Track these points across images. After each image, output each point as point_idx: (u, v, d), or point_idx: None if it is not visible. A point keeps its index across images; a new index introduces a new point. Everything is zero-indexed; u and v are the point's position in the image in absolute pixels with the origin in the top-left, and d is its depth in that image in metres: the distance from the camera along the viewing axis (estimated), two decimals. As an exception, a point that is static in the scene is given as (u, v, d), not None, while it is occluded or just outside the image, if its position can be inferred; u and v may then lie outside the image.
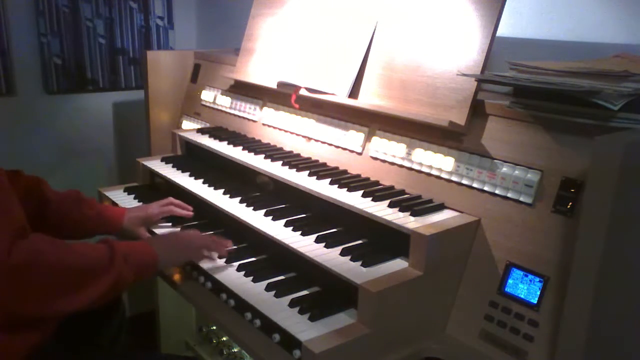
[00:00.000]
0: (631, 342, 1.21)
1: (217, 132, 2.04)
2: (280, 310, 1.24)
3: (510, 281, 1.24)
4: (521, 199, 1.25)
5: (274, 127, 1.94)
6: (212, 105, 2.25)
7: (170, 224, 1.70)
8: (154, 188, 1.99)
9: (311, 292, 1.34)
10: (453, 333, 1.30)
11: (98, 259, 1.22)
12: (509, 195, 1.27)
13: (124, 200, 1.90)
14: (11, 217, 1.10)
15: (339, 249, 1.33)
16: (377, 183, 1.54)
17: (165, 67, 2.37)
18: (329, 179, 1.53)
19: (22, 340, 1.20)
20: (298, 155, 1.79)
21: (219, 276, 1.40)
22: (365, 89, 1.63)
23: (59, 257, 1.15)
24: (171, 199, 1.71)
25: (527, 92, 1.24)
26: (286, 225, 1.45)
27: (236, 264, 1.45)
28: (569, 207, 1.17)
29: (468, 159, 1.36)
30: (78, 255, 1.20)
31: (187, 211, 1.70)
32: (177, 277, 1.52)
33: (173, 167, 1.94)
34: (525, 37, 1.67)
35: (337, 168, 1.66)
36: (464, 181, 1.36)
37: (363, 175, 1.59)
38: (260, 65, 1.98)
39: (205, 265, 1.45)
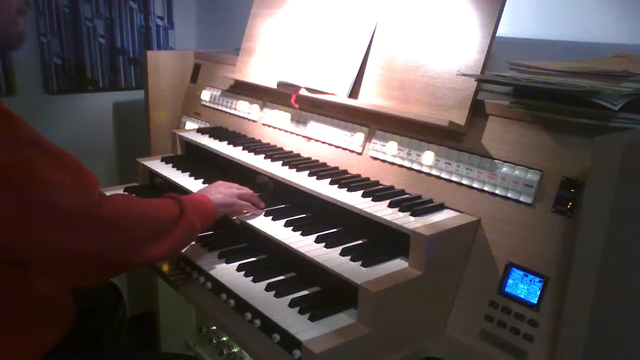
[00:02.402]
0: (631, 342, 1.21)
1: (217, 132, 2.04)
2: (280, 310, 1.24)
3: (510, 281, 1.24)
4: (521, 199, 1.25)
5: (274, 127, 1.94)
6: (212, 105, 2.25)
7: None
8: (154, 188, 1.98)
9: (311, 292, 1.34)
10: (453, 333, 1.30)
11: (171, 210, 1.33)
12: (509, 195, 1.27)
13: (124, 200, 1.89)
14: (93, 177, 1.18)
15: (339, 249, 1.33)
16: (377, 183, 1.54)
17: (165, 67, 2.37)
18: (329, 179, 1.53)
19: (43, 337, 1.25)
20: (298, 155, 1.79)
21: (219, 276, 1.40)
22: (365, 89, 1.63)
23: (140, 210, 1.27)
24: (251, 193, 1.58)
25: (527, 92, 1.24)
26: (286, 225, 1.45)
27: (236, 264, 1.45)
28: (569, 207, 1.17)
29: (468, 159, 1.36)
30: (155, 207, 1.32)
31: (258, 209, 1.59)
32: (177, 277, 1.52)
33: (173, 167, 1.94)
34: (525, 37, 1.67)
35: (337, 168, 1.66)
36: (464, 181, 1.36)
37: (363, 175, 1.59)
38: (260, 65, 1.98)
39: (205, 265, 1.45)
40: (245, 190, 1.56)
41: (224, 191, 1.52)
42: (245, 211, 1.52)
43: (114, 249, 1.18)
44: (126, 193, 1.29)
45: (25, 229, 1.07)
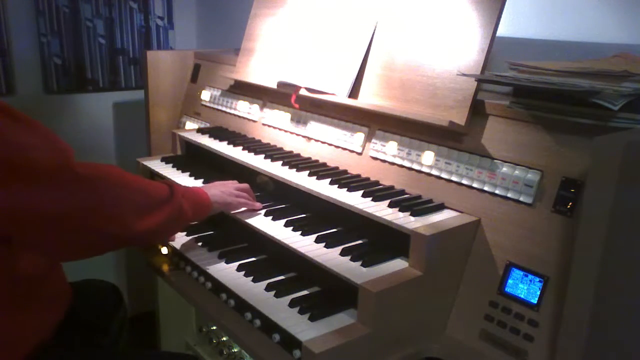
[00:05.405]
0: (631, 342, 1.21)
1: (217, 132, 2.04)
2: (280, 310, 1.24)
3: (510, 281, 1.24)
4: (521, 199, 1.25)
5: (274, 127, 1.94)
6: (212, 105, 2.25)
7: None
8: (154, 188, 1.98)
9: (311, 292, 1.34)
10: (453, 333, 1.30)
11: (159, 188, 1.33)
12: (509, 195, 1.27)
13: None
14: (66, 144, 1.15)
15: (339, 249, 1.33)
16: (377, 183, 1.54)
17: (165, 67, 2.37)
18: (329, 179, 1.53)
19: (39, 319, 1.24)
20: (298, 155, 1.79)
21: (219, 276, 1.40)
22: (365, 89, 1.63)
23: (123, 178, 1.24)
24: (247, 198, 1.57)
25: (527, 92, 1.24)
26: (286, 225, 1.45)
27: (236, 264, 1.45)
28: (569, 207, 1.17)
29: (468, 159, 1.36)
30: (143, 182, 1.32)
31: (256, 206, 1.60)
32: (177, 277, 1.52)
33: (173, 167, 1.94)
34: (525, 37, 1.67)
35: (337, 168, 1.66)
36: (464, 181, 1.36)
37: (363, 175, 1.59)
38: (260, 65, 1.98)
39: (205, 265, 1.45)
40: (243, 186, 1.57)
41: (221, 188, 1.53)
42: (242, 208, 1.53)
43: (92, 210, 1.15)
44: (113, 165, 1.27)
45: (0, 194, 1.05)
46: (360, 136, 1.63)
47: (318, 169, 1.62)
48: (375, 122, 1.60)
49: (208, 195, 1.46)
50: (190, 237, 1.62)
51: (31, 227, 1.11)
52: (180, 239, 1.61)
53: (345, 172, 1.64)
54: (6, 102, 1.08)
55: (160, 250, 1.63)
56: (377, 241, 1.37)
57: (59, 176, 1.10)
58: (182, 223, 1.40)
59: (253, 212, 1.54)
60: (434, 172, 1.43)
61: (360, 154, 1.63)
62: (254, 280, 1.37)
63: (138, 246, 1.54)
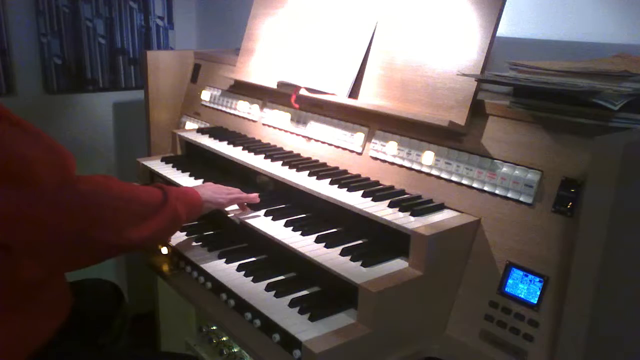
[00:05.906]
0: (631, 342, 1.21)
1: (217, 132, 2.04)
2: (280, 310, 1.24)
3: (510, 281, 1.24)
4: (521, 199, 1.25)
5: (274, 127, 1.94)
6: (212, 105, 2.25)
7: None
8: (154, 188, 1.98)
9: (311, 292, 1.34)
10: (453, 333, 1.30)
11: (154, 195, 1.34)
12: (509, 195, 1.27)
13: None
14: (68, 155, 1.17)
15: (339, 249, 1.33)
16: (377, 183, 1.54)
17: (165, 67, 2.37)
18: (329, 179, 1.53)
19: (39, 324, 1.24)
20: (298, 155, 1.79)
21: (219, 276, 1.40)
22: (365, 89, 1.63)
23: (120, 188, 1.25)
24: (239, 193, 1.59)
25: (527, 92, 1.24)
26: (286, 225, 1.45)
27: (236, 264, 1.45)
28: (569, 207, 1.17)
29: (468, 159, 1.36)
30: (137, 190, 1.32)
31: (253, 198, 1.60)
32: (177, 276, 1.52)
33: (173, 167, 1.94)
34: (525, 37, 1.67)
35: (337, 168, 1.66)
36: (464, 181, 1.36)
37: (363, 175, 1.59)
38: (260, 65, 1.98)
39: (205, 265, 1.45)
40: (234, 191, 1.57)
41: (212, 188, 1.53)
42: (235, 203, 1.54)
43: (92, 224, 1.16)
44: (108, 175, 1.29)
45: (1, 206, 1.05)
46: (360, 136, 1.63)
47: (318, 169, 1.62)
48: (375, 122, 1.60)
49: (199, 195, 1.47)
50: (190, 237, 1.62)
51: (29, 236, 1.12)
52: (180, 239, 1.61)
53: (345, 172, 1.64)
54: (6, 103, 1.08)
55: (160, 250, 1.63)
56: (377, 241, 1.37)
57: (59, 191, 1.11)
58: (178, 225, 1.41)
59: (252, 207, 1.54)
60: (434, 172, 1.43)
61: (360, 154, 1.63)
62: (254, 280, 1.37)
63: (136, 251, 1.55)
